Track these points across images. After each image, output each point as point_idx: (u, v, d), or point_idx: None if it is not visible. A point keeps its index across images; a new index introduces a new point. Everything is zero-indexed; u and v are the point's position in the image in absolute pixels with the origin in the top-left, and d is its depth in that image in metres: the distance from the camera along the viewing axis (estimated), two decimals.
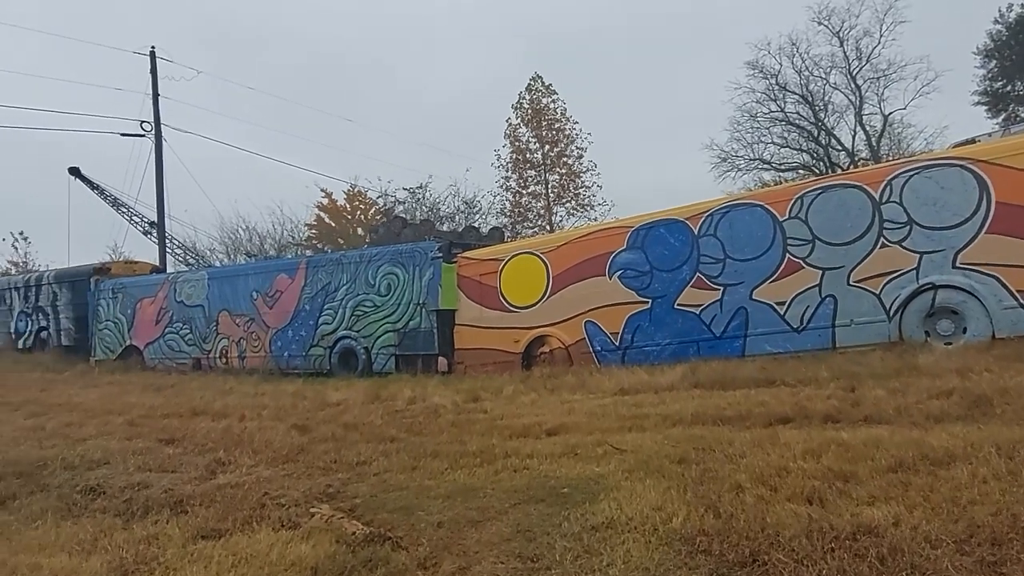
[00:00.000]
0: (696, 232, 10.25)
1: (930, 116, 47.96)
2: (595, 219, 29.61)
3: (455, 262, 12.94)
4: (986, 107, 29.09)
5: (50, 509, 4.11)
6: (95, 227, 41.01)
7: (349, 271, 14.27)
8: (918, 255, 8.61)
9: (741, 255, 9.83)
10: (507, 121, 31.71)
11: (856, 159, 29.20)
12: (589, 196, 31.03)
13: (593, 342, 11.10)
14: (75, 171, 28.86)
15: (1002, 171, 8.16)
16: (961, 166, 8.43)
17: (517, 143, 31.61)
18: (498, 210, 31.05)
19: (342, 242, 35.33)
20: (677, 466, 4.19)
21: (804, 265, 9.33)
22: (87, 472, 5.47)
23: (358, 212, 37.36)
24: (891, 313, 8.74)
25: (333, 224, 37.53)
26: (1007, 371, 6.13)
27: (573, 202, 31.05)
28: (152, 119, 27.72)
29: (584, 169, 31.23)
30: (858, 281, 8.98)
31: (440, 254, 12.99)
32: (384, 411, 8.07)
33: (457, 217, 28.41)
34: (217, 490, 4.37)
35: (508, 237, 27.32)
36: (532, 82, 31.72)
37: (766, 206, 9.71)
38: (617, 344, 10.84)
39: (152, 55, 27.96)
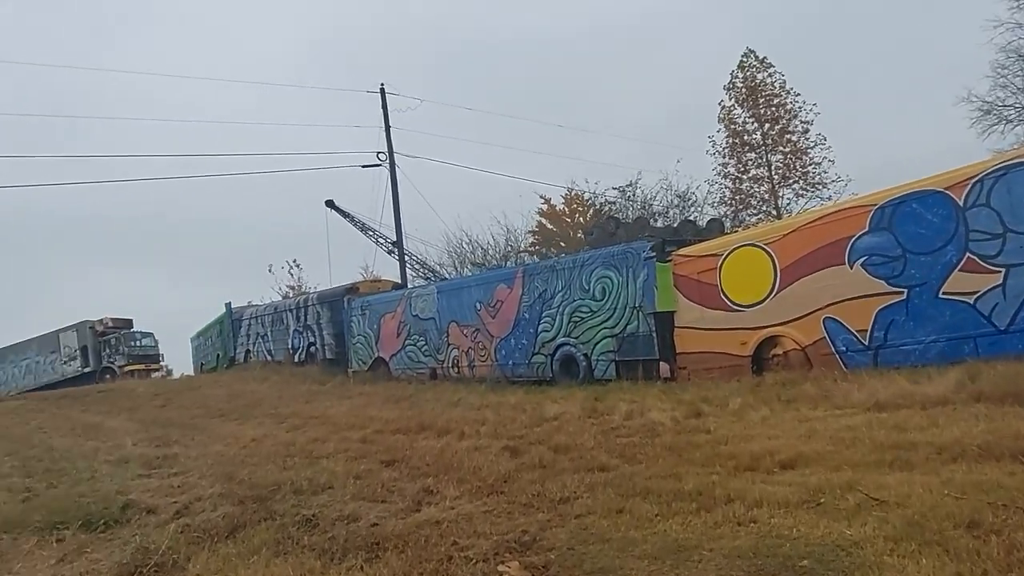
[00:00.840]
0: (961, 203, 8.41)
1: None
2: (828, 199, 26.43)
3: (670, 261, 12.16)
4: None
5: (267, 543, 4.29)
6: (351, 250, 46.48)
7: (563, 277, 14.14)
8: None
9: None
10: (719, 104, 29.63)
11: None
12: (819, 173, 27.76)
13: (836, 341, 9.65)
14: (330, 203, 32.61)
15: None
16: None
17: (733, 126, 29.28)
18: (716, 200, 29.15)
19: (564, 245, 35.83)
20: (966, 534, 3.14)
21: None
22: (311, 498, 5.78)
23: (576, 215, 37.63)
24: None
25: (554, 229, 38.24)
26: None
27: (801, 182, 27.95)
28: (386, 149, 30.52)
29: (811, 144, 27.96)
30: None
31: (653, 253, 12.29)
32: (598, 429, 7.66)
33: (671, 212, 27.10)
34: (416, 529, 4.28)
35: (730, 228, 25.52)
36: (744, 58, 29.24)
37: None
38: (867, 343, 9.30)
39: (382, 92, 30.75)
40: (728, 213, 28.37)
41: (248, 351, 28.15)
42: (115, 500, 6.33)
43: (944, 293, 8.55)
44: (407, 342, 18.81)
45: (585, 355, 13.44)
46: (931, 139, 38.93)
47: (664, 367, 11.92)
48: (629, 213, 26.76)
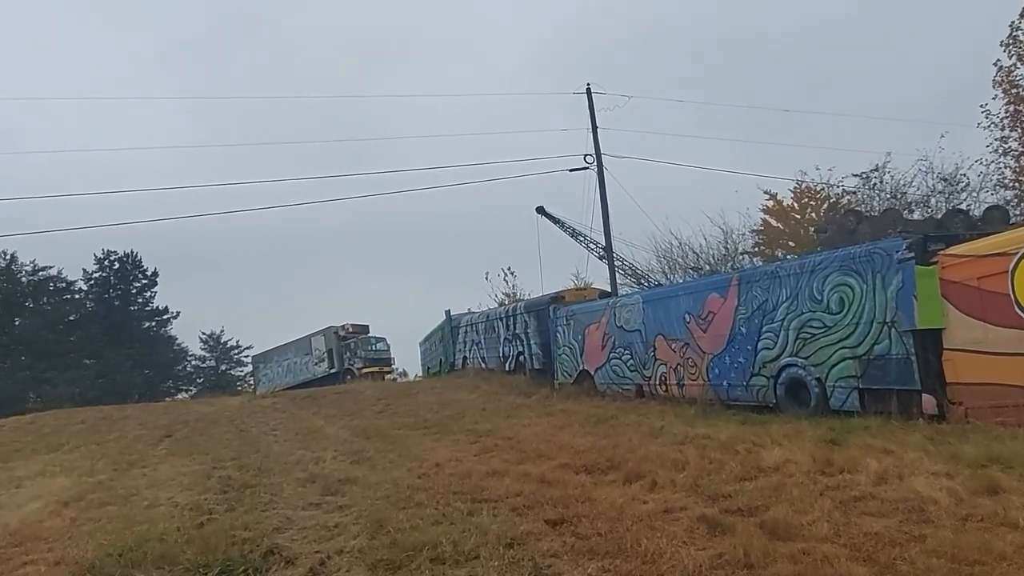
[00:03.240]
0: None
1: None
2: None
3: (935, 262, 9.36)
4: None
5: None
6: (564, 256, 46.16)
7: (789, 285, 11.77)
8: None
9: None
10: (995, 64, 23.85)
11: None
12: None
13: None
14: (540, 209, 32.41)
15: None
16: None
17: (1015, 89, 23.41)
18: (994, 183, 23.41)
19: (793, 246, 31.93)
20: None
21: None
22: (449, 571, 4.73)
23: (808, 210, 33.41)
24: None
25: (781, 227, 34.38)
26: None
27: None
28: (593, 151, 29.46)
29: None
30: None
31: (911, 253, 9.57)
32: (835, 499, 5.65)
33: (933, 200, 22.24)
34: None
35: (1016, 217, 20.31)
36: None
37: None
38: None
39: (588, 92, 29.77)
40: (1013, 199, 22.81)
41: (465, 357, 28.78)
42: (262, 544, 5.91)
43: None
44: (612, 355, 17.42)
45: (818, 380, 10.97)
46: None
47: (929, 401, 9.18)
48: (875, 205, 22.61)
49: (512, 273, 41.20)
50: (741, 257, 30.44)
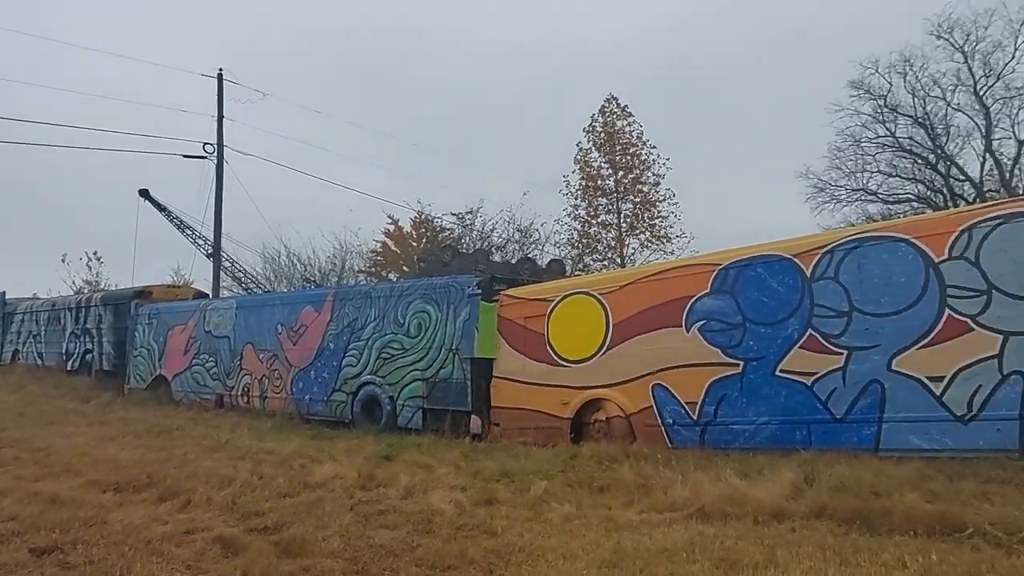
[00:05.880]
0: (809, 274, 7.58)
1: None
2: (672, 253, 26.65)
3: (496, 300, 10.66)
4: None
5: None
6: (167, 249, 41.25)
7: (378, 306, 12.20)
8: None
9: (875, 308, 7.10)
10: (577, 145, 29.38)
11: (984, 191, 25.19)
12: (665, 227, 28.09)
13: (663, 413, 8.50)
14: (144, 193, 28.50)
15: None
16: None
17: (588, 168, 29.08)
18: (564, 240, 28.50)
19: (407, 270, 33.82)
20: None
21: (974, 326, 6.51)
22: None
23: (424, 240, 35.90)
24: None
25: (398, 251, 36.21)
26: None
27: (648, 233, 28.10)
28: (216, 141, 27.20)
29: (661, 198, 28.27)
30: None
31: (479, 290, 10.74)
32: (360, 514, 5.80)
33: (509, 247, 25.98)
34: None
35: (575, 271, 24.82)
36: (606, 104, 29.33)
37: (914, 240, 6.96)
38: (695, 418, 8.22)
39: (219, 78, 27.55)
40: (575, 256, 27.84)
41: (17, 351, 23.89)
42: None
43: (782, 371, 7.63)
44: (195, 361, 15.92)
45: (391, 398, 11.52)
46: (774, 207, 41.29)
47: (476, 421, 10.30)
48: (470, 243, 25.39)
49: (98, 259, 35.46)
50: (357, 275, 31.09)
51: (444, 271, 14.00)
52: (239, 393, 14.66)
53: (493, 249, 24.59)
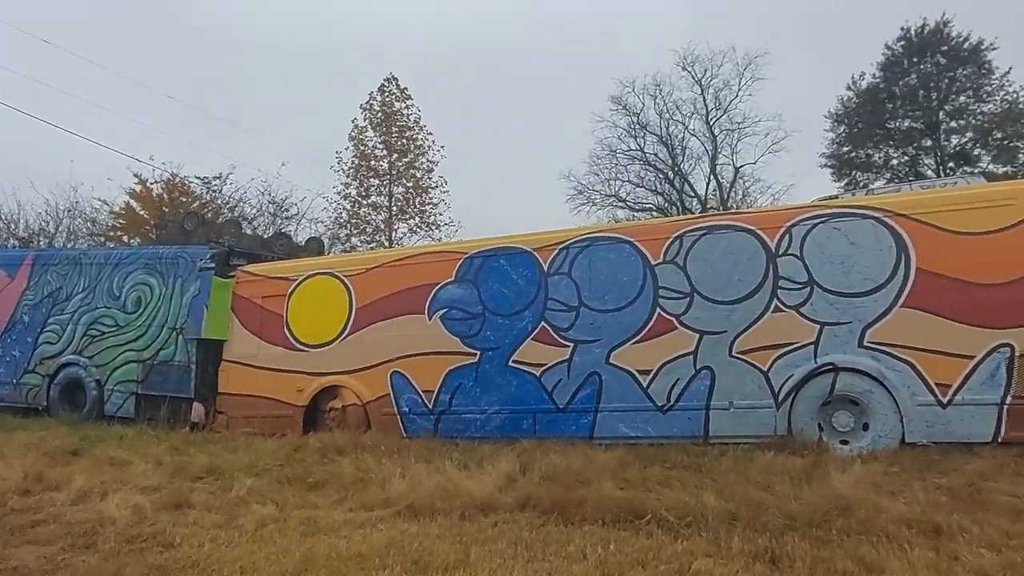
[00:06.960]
0: (546, 268, 7.81)
1: (778, 173, 49.63)
2: (439, 239, 26.71)
3: (232, 276, 9.68)
4: (832, 170, 29.65)
5: None
6: None
7: (89, 275, 10.50)
8: (818, 326, 6.67)
9: (600, 304, 7.50)
10: (352, 122, 28.17)
11: (707, 207, 28.93)
12: (435, 214, 28.14)
13: (400, 401, 8.29)
14: None
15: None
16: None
17: (362, 147, 28.06)
18: (331, 218, 27.33)
19: (154, 237, 30.19)
20: None
21: (678, 324, 7.13)
22: None
23: (179, 206, 32.27)
24: (780, 398, 6.72)
25: (146, 215, 32.18)
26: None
27: (417, 219, 27.91)
28: None
29: (433, 185, 28.17)
30: (742, 352, 6.89)
31: (212, 264, 9.67)
32: (7, 526, 4.77)
33: (260, 219, 24.37)
34: None
35: (339, 250, 23.88)
36: (386, 83, 28.41)
37: (636, 243, 7.45)
38: (431, 407, 8.11)
39: None
40: (343, 236, 26.80)
41: None
42: None
43: (515, 361, 7.78)
44: None
45: (98, 382, 9.98)
46: (545, 202, 43.33)
47: (198, 409, 9.27)
48: (221, 212, 23.31)
49: None
50: (85, 240, 27.05)
51: (187, 240, 12.46)
52: None
53: (244, 221, 22.76)
